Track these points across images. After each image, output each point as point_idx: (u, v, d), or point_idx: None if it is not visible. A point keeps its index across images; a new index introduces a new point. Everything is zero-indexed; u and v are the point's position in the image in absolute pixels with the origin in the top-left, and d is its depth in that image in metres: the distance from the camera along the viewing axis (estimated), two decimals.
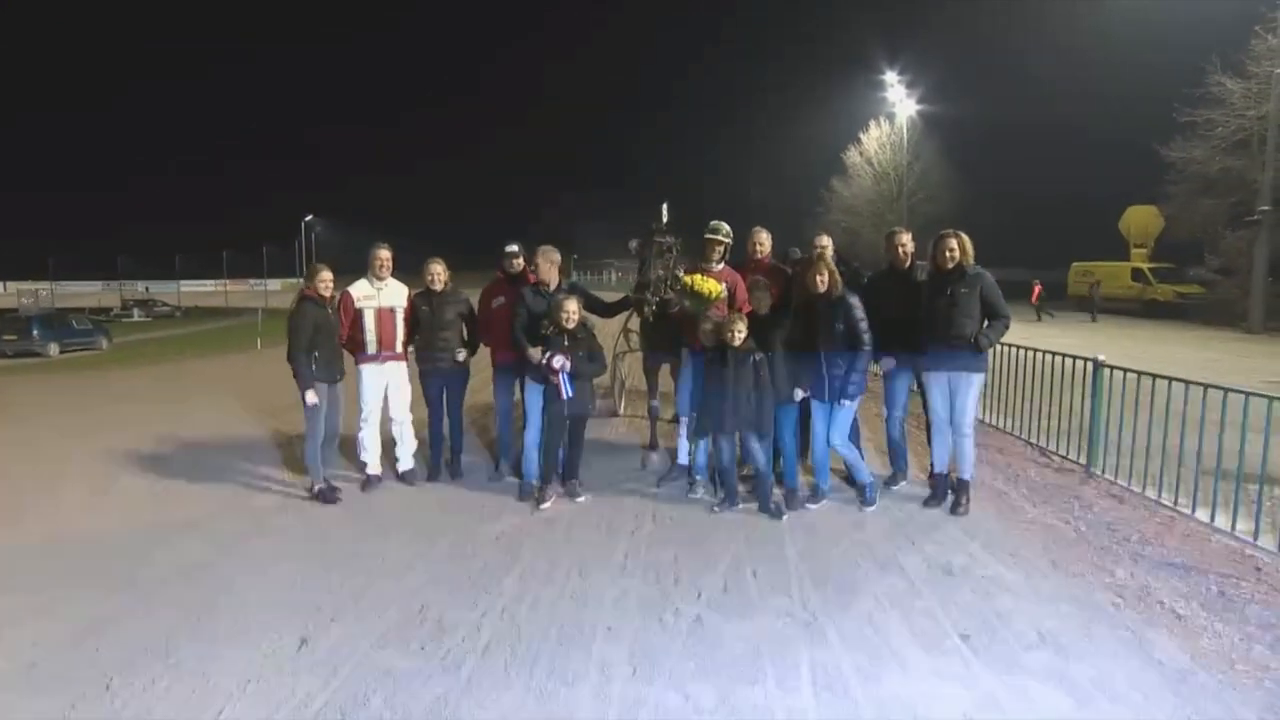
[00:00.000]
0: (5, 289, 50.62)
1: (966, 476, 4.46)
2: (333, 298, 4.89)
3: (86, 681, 2.76)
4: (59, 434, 7.55)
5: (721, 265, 4.98)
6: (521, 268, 5.16)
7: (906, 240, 4.82)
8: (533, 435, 4.84)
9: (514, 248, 5.16)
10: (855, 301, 4.36)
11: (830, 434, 4.48)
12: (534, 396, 4.80)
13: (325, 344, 4.76)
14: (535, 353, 4.58)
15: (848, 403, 4.37)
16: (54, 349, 20.20)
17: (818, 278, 4.35)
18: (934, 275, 4.45)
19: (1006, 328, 4.44)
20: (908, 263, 4.77)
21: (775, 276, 4.90)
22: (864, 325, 4.31)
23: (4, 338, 20.12)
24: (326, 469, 4.96)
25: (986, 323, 4.33)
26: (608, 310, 5.50)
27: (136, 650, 2.98)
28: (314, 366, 4.69)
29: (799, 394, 4.51)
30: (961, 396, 4.37)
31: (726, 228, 5.01)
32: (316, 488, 4.84)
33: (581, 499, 4.74)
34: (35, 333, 20.34)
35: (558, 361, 4.47)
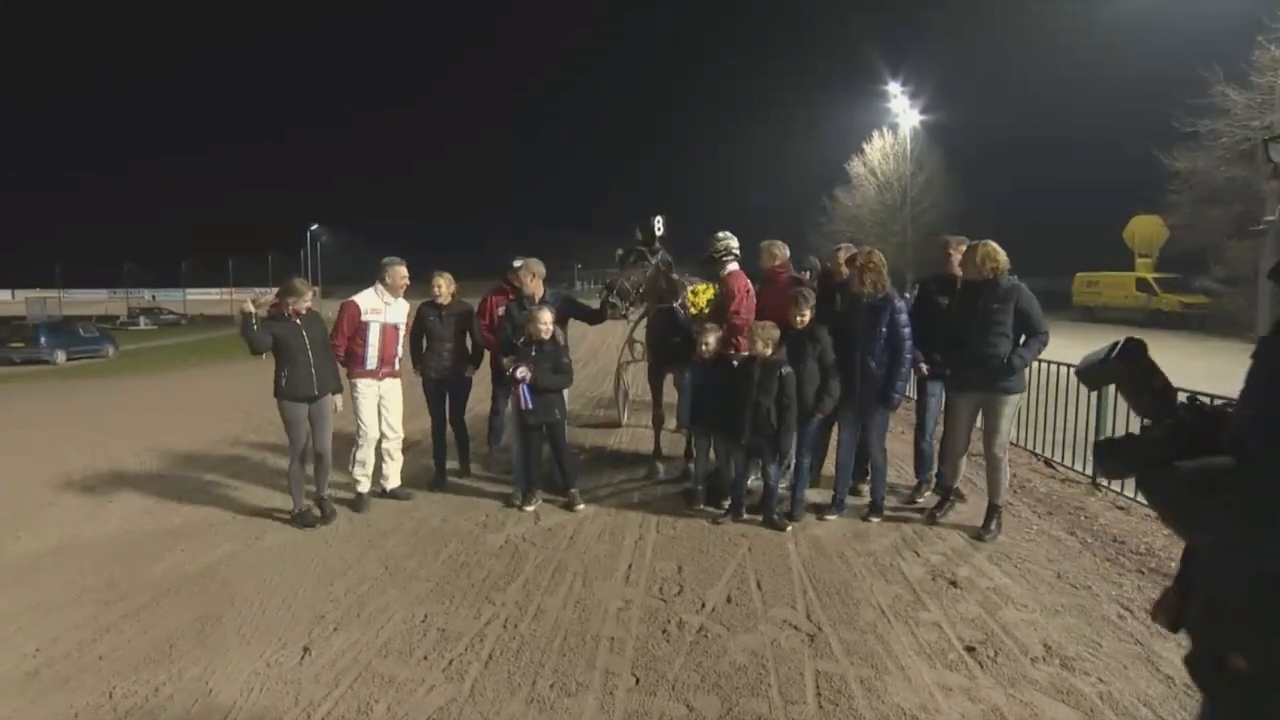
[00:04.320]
0: (14, 297, 51.01)
1: (998, 501, 4.24)
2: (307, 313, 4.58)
3: (90, 689, 2.76)
4: (63, 442, 7.59)
5: (733, 269, 5.08)
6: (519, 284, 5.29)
7: (963, 249, 4.58)
8: (516, 442, 4.96)
9: (520, 263, 5.30)
10: (901, 305, 4.33)
11: (870, 439, 4.45)
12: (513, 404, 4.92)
13: (296, 360, 4.45)
14: (507, 362, 4.71)
15: (887, 409, 4.38)
16: (61, 356, 20.37)
17: (869, 279, 4.31)
18: (965, 288, 4.27)
19: (1044, 345, 4.15)
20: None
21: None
22: (908, 330, 4.28)
23: (12, 345, 20.30)
24: (309, 487, 4.70)
25: (1023, 339, 4.09)
26: (591, 316, 5.53)
27: (140, 658, 2.98)
28: (283, 382, 4.46)
29: (820, 414, 4.41)
30: (994, 418, 4.15)
31: (722, 234, 5.12)
32: (295, 510, 4.61)
33: (580, 508, 4.74)
34: (43, 340, 20.52)
35: (520, 372, 4.57)
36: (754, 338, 4.33)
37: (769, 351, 4.28)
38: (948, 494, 4.57)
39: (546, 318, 4.68)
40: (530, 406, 4.63)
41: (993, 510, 4.26)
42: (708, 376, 4.61)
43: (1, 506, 5.15)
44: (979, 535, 4.19)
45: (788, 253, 5.34)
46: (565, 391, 5.00)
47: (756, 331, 4.35)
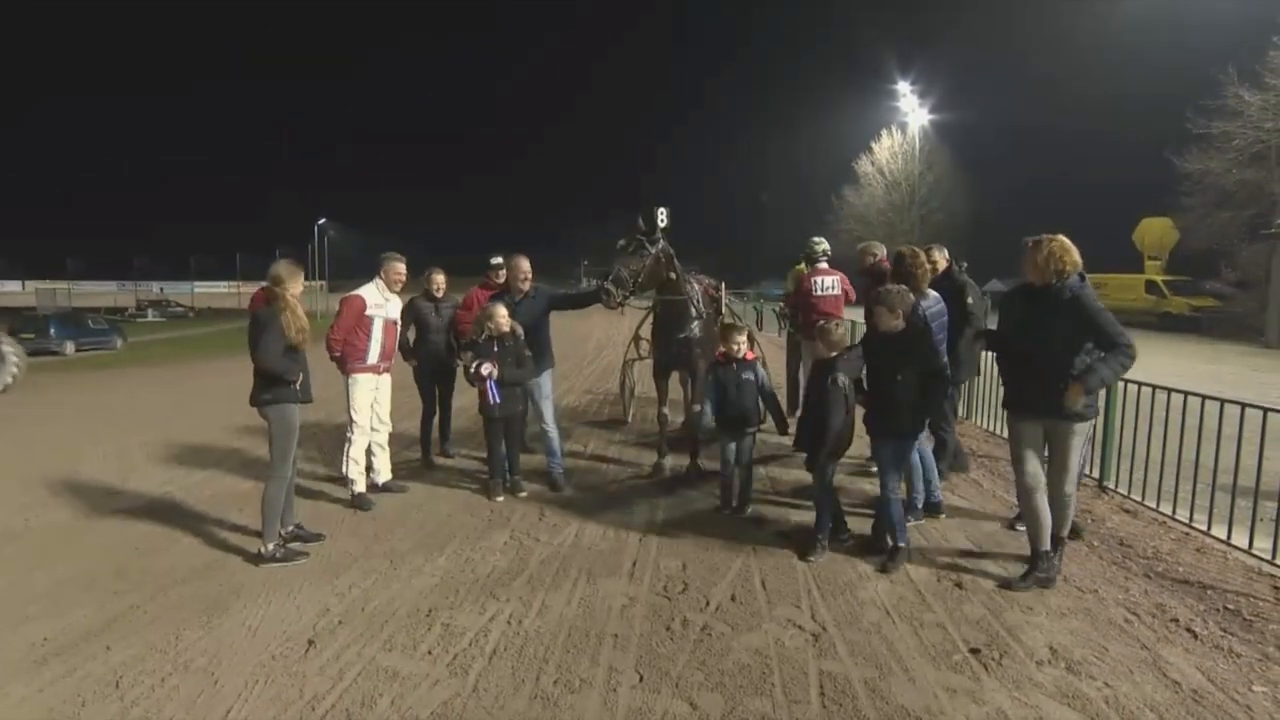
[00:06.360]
0: (24, 288, 51.43)
1: (1062, 533, 3.64)
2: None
3: (97, 678, 2.78)
4: (73, 432, 7.64)
5: (818, 266, 6.12)
6: (505, 280, 5.42)
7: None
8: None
9: (498, 260, 5.59)
10: (924, 309, 4.27)
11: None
12: None
13: (300, 357, 3.94)
14: (468, 358, 4.80)
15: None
16: (70, 348, 20.51)
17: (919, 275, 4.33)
18: (1023, 292, 3.64)
19: (1129, 359, 3.35)
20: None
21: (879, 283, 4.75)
22: (936, 335, 4.22)
23: (22, 336, 20.42)
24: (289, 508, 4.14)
25: (1100, 354, 3.38)
26: (581, 300, 5.55)
27: (146, 649, 3.00)
28: (295, 384, 3.88)
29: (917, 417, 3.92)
30: (1060, 450, 3.54)
31: (815, 239, 6.41)
32: (270, 546, 3.87)
33: (523, 495, 4.96)
34: (52, 331, 20.67)
35: (485, 369, 4.68)
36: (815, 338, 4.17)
37: (830, 354, 4.02)
38: (1053, 544, 3.64)
39: (502, 313, 4.81)
40: (498, 400, 4.75)
41: (1054, 543, 3.63)
42: (724, 377, 4.60)
43: (12, 494, 5.20)
44: (1022, 579, 3.55)
45: (882, 251, 5.48)
46: (548, 381, 5.23)
47: (816, 332, 4.15)
